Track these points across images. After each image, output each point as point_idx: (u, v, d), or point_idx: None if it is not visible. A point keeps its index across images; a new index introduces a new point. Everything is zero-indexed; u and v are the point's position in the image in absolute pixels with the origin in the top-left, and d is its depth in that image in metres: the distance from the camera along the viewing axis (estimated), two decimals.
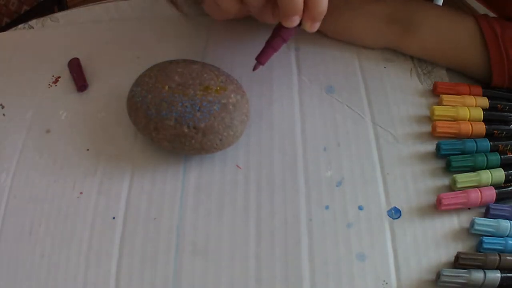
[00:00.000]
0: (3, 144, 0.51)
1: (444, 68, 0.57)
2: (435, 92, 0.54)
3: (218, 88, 0.48)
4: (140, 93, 0.48)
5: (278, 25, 0.48)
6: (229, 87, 0.48)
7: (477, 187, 0.46)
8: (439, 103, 0.53)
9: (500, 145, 0.49)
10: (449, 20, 0.56)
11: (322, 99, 0.54)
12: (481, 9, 0.66)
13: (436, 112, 0.52)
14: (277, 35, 0.48)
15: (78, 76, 0.55)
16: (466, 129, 0.50)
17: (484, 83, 0.55)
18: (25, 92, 0.55)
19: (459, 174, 0.47)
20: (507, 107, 0.53)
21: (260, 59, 0.49)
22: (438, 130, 0.51)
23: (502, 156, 0.48)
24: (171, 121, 0.46)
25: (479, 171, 0.47)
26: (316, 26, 0.47)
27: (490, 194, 0.46)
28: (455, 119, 0.51)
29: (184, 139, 0.46)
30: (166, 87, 0.47)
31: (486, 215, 0.46)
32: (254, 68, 0.50)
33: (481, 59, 0.54)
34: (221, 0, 0.47)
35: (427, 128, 0.52)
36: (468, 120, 0.51)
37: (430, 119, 0.52)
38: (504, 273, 0.42)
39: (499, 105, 0.53)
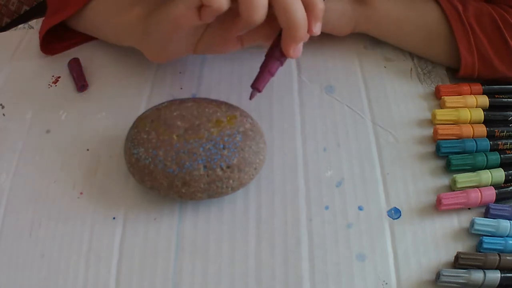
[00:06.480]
0: (3, 144, 0.51)
1: (443, 67, 0.57)
2: (438, 96, 0.54)
3: (228, 118, 0.45)
4: (146, 153, 0.43)
5: (273, 47, 0.44)
6: (237, 113, 0.45)
7: (477, 187, 0.46)
8: (442, 105, 0.53)
9: (500, 143, 0.49)
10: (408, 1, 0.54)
11: (322, 99, 0.54)
12: None
13: (438, 117, 0.51)
14: (274, 58, 0.44)
15: (78, 76, 0.55)
16: (467, 132, 0.50)
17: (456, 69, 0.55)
18: (25, 92, 0.55)
19: (459, 174, 0.47)
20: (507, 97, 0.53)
21: (258, 85, 0.45)
22: (440, 135, 0.50)
23: (502, 155, 0.48)
24: (200, 170, 0.43)
25: (479, 171, 0.47)
26: (320, 26, 0.43)
27: (490, 194, 0.46)
28: (456, 123, 0.51)
29: (221, 182, 0.43)
30: (175, 137, 0.43)
31: (486, 215, 0.46)
32: (251, 97, 0.46)
33: (446, 39, 0.53)
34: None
35: (427, 127, 0.52)
36: (469, 123, 0.51)
37: (431, 121, 0.52)
38: (504, 273, 0.42)
39: (496, 95, 0.53)
